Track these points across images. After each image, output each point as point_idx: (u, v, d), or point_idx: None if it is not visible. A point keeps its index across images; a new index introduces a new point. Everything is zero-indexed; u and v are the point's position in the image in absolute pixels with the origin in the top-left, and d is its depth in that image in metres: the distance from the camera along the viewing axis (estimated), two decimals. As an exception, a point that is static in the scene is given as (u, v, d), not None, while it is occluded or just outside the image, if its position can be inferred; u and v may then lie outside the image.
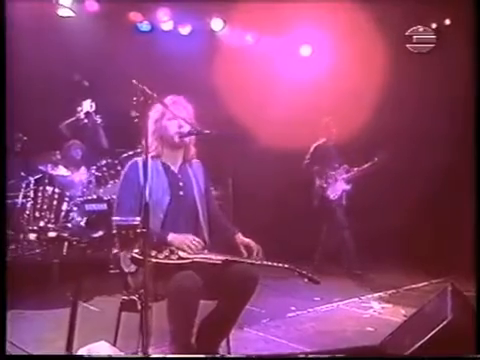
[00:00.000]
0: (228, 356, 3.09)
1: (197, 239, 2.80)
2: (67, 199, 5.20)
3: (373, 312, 4.37)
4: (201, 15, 6.92)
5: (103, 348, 2.84)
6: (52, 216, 5.10)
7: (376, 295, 4.88)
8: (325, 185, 5.90)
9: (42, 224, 5.04)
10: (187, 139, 3.06)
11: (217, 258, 2.79)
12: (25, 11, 5.72)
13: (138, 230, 2.32)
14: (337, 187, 5.90)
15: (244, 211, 6.63)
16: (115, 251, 2.69)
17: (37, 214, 5.12)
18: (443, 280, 5.28)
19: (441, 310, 2.32)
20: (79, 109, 5.83)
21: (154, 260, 2.65)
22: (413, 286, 5.17)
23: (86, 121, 5.76)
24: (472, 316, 2.38)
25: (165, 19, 6.71)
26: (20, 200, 5.16)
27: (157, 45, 6.71)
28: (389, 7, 6.04)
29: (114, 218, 2.52)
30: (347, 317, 4.24)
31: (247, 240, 3.07)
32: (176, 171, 3.06)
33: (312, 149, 6.07)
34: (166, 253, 2.70)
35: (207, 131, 3.06)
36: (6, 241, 4.64)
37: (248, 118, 6.71)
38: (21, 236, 5.01)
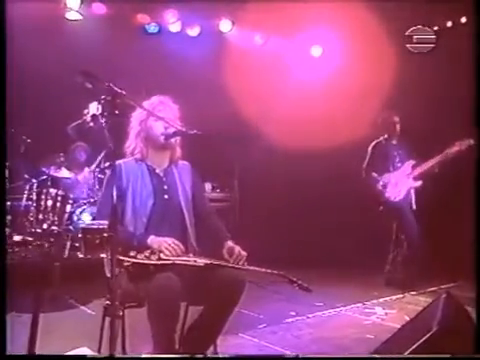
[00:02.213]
0: (226, 356, 3.00)
1: (177, 242, 2.67)
2: (70, 201, 5.16)
3: (376, 318, 4.18)
4: (209, 16, 6.85)
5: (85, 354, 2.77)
6: (55, 218, 5.06)
7: (381, 300, 4.68)
8: (386, 186, 5.28)
9: (45, 226, 5.01)
10: (173, 140, 2.95)
11: (200, 261, 2.68)
12: (32, 13, 5.74)
13: (105, 234, 2.20)
14: (401, 187, 5.28)
15: (251, 214, 6.59)
16: (80, 256, 2.59)
17: (40, 216, 5.10)
18: (454, 285, 5.08)
19: (428, 321, 2.15)
20: (85, 112, 5.79)
21: (133, 260, 2.56)
22: (421, 291, 4.95)
23: (92, 124, 5.71)
24: (464, 328, 2.20)
25: (173, 21, 6.65)
26: (23, 202, 5.14)
27: (165, 46, 6.66)
28: (398, 7, 5.88)
29: (80, 222, 2.43)
30: (348, 323, 4.06)
31: (234, 247, 2.90)
32: (161, 174, 2.95)
33: (370, 148, 5.47)
34: (146, 254, 2.59)
35: (193, 132, 2.94)
36: (5, 243, 4.60)
37: (257, 119, 6.62)
38: (24, 238, 4.98)
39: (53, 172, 5.15)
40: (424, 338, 2.03)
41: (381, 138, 5.50)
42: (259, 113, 6.68)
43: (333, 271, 5.66)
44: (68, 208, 5.15)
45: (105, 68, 6.09)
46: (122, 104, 2.34)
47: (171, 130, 2.87)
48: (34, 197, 5.12)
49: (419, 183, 5.30)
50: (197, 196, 3.06)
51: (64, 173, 5.24)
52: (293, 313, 4.24)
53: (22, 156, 5.24)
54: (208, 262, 2.69)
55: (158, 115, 2.83)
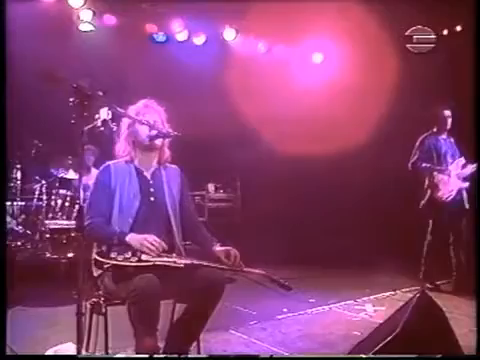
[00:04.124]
0: (224, 354, 2.92)
1: (157, 240, 2.55)
2: (78, 201, 5.13)
3: (365, 315, 4.05)
4: (215, 25, 6.78)
5: (71, 349, 2.71)
6: (64, 217, 5.03)
7: (372, 297, 4.54)
8: (438, 185, 4.80)
9: (54, 225, 4.98)
10: (159, 142, 2.86)
11: (180, 261, 2.59)
12: (48, 25, 5.75)
13: (72, 234, 2.13)
14: (453, 186, 4.78)
15: (253, 214, 6.51)
16: (47, 255, 2.52)
17: (50, 215, 5.07)
18: (446, 282, 4.92)
19: (394, 322, 2.03)
20: (96, 117, 5.76)
21: (113, 262, 2.48)
22: (413, 288, 4.78)
23: (102, 128, 5.68)
24: (434, 329, 2.07)
25: (179, 30, 6.60)
26: (35, 202, 5.13)
27: (173, 54, 6.62)
28: (397, 11, 5.72)
29: (47, 222, 2.36)
30: (336, 320, 3.93)
31: (226, 248, 2.78)
32: (149, 177, 2.86)
33: (418, 143, 4.95)
34: (126, 255, 2.51)
35: (175, 133, 2.85)
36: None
37: (261, 122, 6.53)
38: (35, 236, 4.96)
39: (61, 173, 5.11)
40: (388, 338, 1.90)
41: (430, 131, 4.99)
42: (263, 117, 6.59)
43: (331, 269, 5.53)
44: (76, 208, 5.12)
45: (115, 75, 6.18)
46: (91, 106, 2.26)
47: (154, 132, 2.78)
48: (44, 197, 5.09)
49: (467, 184, 4.82)
50: (185, 200, 2.97)
51: (70, 175, 5.21)
52: (285, 309, 4.13)
53: (33, 159, 5.23)
54: (188, 262, 2.61)
55: (139, 119, 2.76)
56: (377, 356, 1.86)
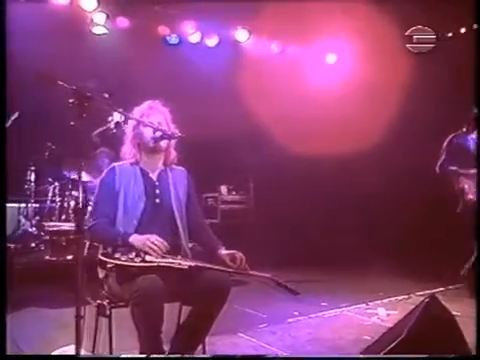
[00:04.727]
0: (230, 355, 2.89)
1: (160, 239, 2.53)
2: (91, 203, 5.15)
3: (377, 319, 3.97)
4: (227, 26, 6.78)
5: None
6: (77, 218, 5.06)
7: (385, 301, 4.45)
8: (464, 188, 4.62)
9: (67, 226, 5.01)
10: (164, 143, 2.84)
11: (185, 263, 2.57)
12: (61, 29, 5.81)
13: (71, 236, 2.13)
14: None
15: (266, 215, 6.47)
16: (47, 257, 2.52)
17: (63, 216, 5.11)
18: (461, 286, 4.80)
19: (402, 327, 1.97)
20: (110, 119, 5.80)
21: (116, 262, 2.48)
22: (428, 292, 4.67)
23: (115, 131, 5.72)
24: (441, 334, 2.01)
25: (192, 32, 6.61)
26: (48, 204, 5.18)
27: (185, 56, 6.63)
28: (410, 12, 5.64)
29: (46, 224, 2.36)
30: (347, 324, 3.86)
31: (231, 251, 2.77)
32: (154, 178, 2.85)
33: (446, 143, 4.77)
34: (130, 256, 2.50)
35: (180, 134, 2.83)
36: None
37: (274, 123, 6.50)
38: (47, 237, 5.00)
39: (74, 176, 5.15)
40: (394, 343, 1.85)
41: (459, 131, 4.80)
42: (276, 118, 6.55)
43: (345, 271, 5.46)
44: (89, 209, 5.14)
45: (129, 78, 6.21)
46: (91, 107, 2.26)
47: (158, 134, 2.77)
48: (57, 199, 5.14)
49: None
50: (191, 202, 2.95)
51: (84, 177, 5.23)
52: (296, 313, 4.08)
53: (47, 161, 5.28)
54: (193, 264, 2.58)
55: (142, 120, 2.75)
56: (377, 356, 1.82)
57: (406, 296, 4.60)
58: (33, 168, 5.33)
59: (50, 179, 5.25)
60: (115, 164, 2.85)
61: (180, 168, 2.98)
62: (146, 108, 2.86)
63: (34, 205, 5.35)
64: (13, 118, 4.86)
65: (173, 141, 2.91)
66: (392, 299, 4.52)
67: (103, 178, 2.82)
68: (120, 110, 2.74)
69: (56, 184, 5.19)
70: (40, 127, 5.41)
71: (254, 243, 5.68)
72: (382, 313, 4.09)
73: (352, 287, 4.93)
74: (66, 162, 5.28)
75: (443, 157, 4.78)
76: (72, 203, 5.15)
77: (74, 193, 5.18)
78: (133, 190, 2.77)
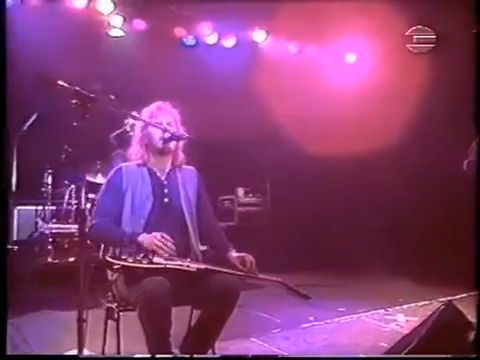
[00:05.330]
0: (217, 356, 2.84)
1: (167, 237, 2.50)
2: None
3: (395, 325, 3.87)
4: (244, 27, 6.75)
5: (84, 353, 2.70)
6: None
7: (405, 307, 4.35)
8: None
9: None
10: (172, 145, 2.83)
11: (193, 266, 2.54)
12: (78, 32, 5.87)
13: (75, 238, 2.11)
14: None
15: (284, 217, 6.41)
16: (49, 260, 2.51)
17: (79, 219, 5.14)
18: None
19: (413, 334, 1.90)
20: (126, 121, 5.83)
21: (122, 263, 2.46)
22: (449, 298, 4.53)
23: (132, 133, 5.73)
24: (456, 341, 1.93)
25: (209, 33, 6.60)
26: (64, 206, 5.23)
27: (202, 58, 6.62)
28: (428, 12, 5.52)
29: (49, 226, 2.35)
30: (364, 330, 3.77)
31: (241, 254, 2.72)
32: (162, 178, 2.83)
33: (474, 143, 4.62)
34: (138, 257, 2.48)
35: (189, 135, 2.81)
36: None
37: (292, 125, 6.44)
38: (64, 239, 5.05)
39: (90, 178, 5.19)
40: (405, 351, 1.78)
41: None
42: (295, 119, 6.49)
43: (364, 275, 5.36)
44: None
45: (146, 80, 6.24)
46: (93, 108, 2.25)
47: (167, 135, 2.75)
48: (73, 201, 5.18)
49: None
50: (201, 202, 2.91)
51: (99, 179, 5.27)
52: (311, 318, 4.01)
53: (63, 164, 5.32)
54: (201, 267, 2.55)
55: (151, 121, 2.74)
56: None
57: (427, 302, 4.48)
58: (50, 171, 5.38)
59: (66, 181, 5.30)
60: (122, 164, 2.84)
61: (190, 167, 2.95)
62: (155, 109, 2.84)
63: (51, 207, 5.41)
64: (31, 121, 4.91)
65: (181, 143, 2.89)
66: (412, 305, 4.41)
67: (110, 178, 2.81)
68: (126, 111, 2.71)
69: (72, 186, 5.23)
70: (57, 129, 5.46)
71: (271, 246, 5.64)
72: (401, 319, 3.99)
73: (370, 292, 4.83)
74: (83, 164, 5.31)
75: (470, 158, 4.57)
76: (88, 205, 5.18)
77: (90, 195, 5.22)
78: (141, 190, 2.75)
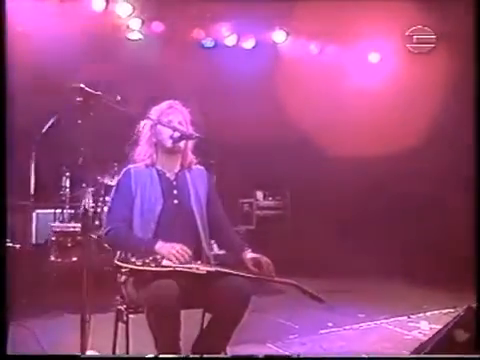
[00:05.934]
0: (225, 356, 2.79)
1: (185, 248, 2.46)
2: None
3: (418, 333, 3.75)
4: (264, 28, 6.70)
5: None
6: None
7: (429, 314, 4.21)
8: None
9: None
10: (182, 144, 2.79)
11: (202, 268, 2.49)
12: (98, 36, 5.92)
13: (79, 237, 2.09)
14: None
15: (304, 221, 6.32)
16: (52, 259, 2.49)
17: (97, 222, 5.17)
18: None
19: (427, 342, 1.82)
20: (142, 123, 5.85)
21: (131, 266, 2.43)
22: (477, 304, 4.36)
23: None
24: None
25: (227, 34, 6.57)
26: (82, 210, 5.26)
27: (222, 60, 6.61)
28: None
29: (52, 225, 2.33)
30: (385, 337, 3.66)
31: (256, 256, 2.67)
32: (172, 178, 2.79)
33: None
34: (146, 260, 2.44)
35: (199, 135, 2.77)
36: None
37: (314, 127, 6.35)
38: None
39: (107, 181, 5.22)
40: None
41: None
42: (316, 121, 6.41)
43: (386, 280, 5.24)
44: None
45: (165, 82, 6.25)
46: (97, 105, 2.24)
47: (177, 134, 2.72)
48: (91, 204, 5.21)
49: None
50: (212, 202, 2.87)
51: (115, 181, 5.29)
52: (330, 324, 3.91)
53: (81, 167, 5.36)
54: (212, 270, 2.50)
55: (161, 120, 2.71)
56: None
57: (452, 309, 4.32)
58: (68, 174, 5.44)
59: (84, 184, 5.34)
60: (130, 166, 2.80)
61: (199, 167, 2.91)
62: (165, 107, 2.82)
63: (69, 211, 5.45)
64: (50, 123, 4.96)
65: (190, 143, 2.85)
66: (436, 312, 4.26)
67: (119, 181, 2.79)
68: (130, 111, 2.69)
69: (90, 190, 5.26)
70: (74, 132, 5.51)
71: (290, 249, 5.57)
72: (425, 327, 3.86)
73: (392, 298, 4.70)
74: (100, 167, 5.35)
75: None
76: (105, 208, 5.20)
77: (107, 198, 5.24)
78: (149, 192, 2.72)
